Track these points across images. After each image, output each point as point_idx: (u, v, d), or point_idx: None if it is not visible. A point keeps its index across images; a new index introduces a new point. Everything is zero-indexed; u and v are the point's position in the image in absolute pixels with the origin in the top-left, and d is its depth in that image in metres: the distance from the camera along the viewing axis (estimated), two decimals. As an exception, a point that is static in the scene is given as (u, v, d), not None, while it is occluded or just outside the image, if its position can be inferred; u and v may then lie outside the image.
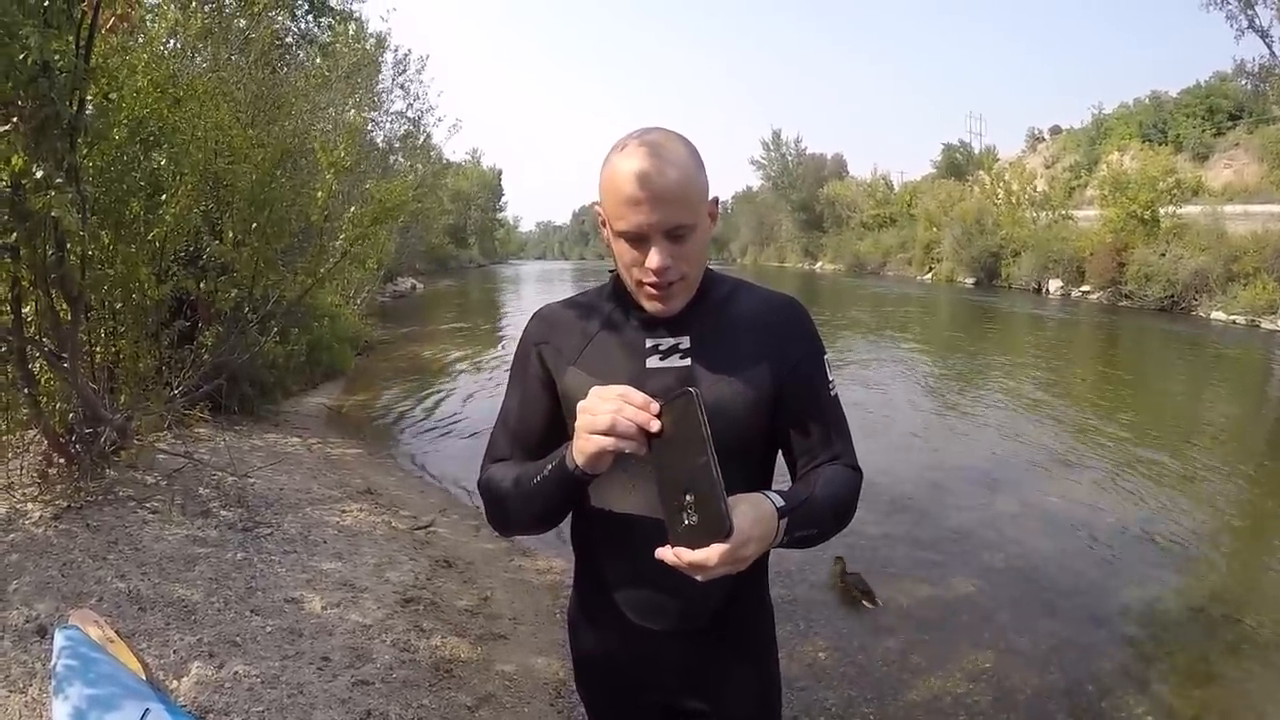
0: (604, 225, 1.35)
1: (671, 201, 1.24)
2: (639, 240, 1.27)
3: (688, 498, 1.07)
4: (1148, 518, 6.32)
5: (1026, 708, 3.74)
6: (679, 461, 1.08)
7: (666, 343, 1.37)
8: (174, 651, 3.12)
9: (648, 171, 1.23)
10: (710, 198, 1.34)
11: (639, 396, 1.13)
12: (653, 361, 1.37)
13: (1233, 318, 22.34)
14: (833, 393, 1.45)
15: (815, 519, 1.29)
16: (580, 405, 1.18)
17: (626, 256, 1.30)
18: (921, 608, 4.75)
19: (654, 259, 1.26)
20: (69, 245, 3.86)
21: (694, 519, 1.07)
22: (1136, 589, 5.07)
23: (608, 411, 1.13)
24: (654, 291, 1.31)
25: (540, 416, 1.44)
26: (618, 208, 1.26)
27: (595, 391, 1.17)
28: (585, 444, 1.16)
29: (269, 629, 3.47)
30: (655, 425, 1.10)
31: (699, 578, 1.10)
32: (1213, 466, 7.93)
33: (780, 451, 1.47)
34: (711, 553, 1.07)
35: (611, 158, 1.28)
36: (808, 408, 1.42)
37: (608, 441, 1.13)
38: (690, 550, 1.08)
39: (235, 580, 3.89)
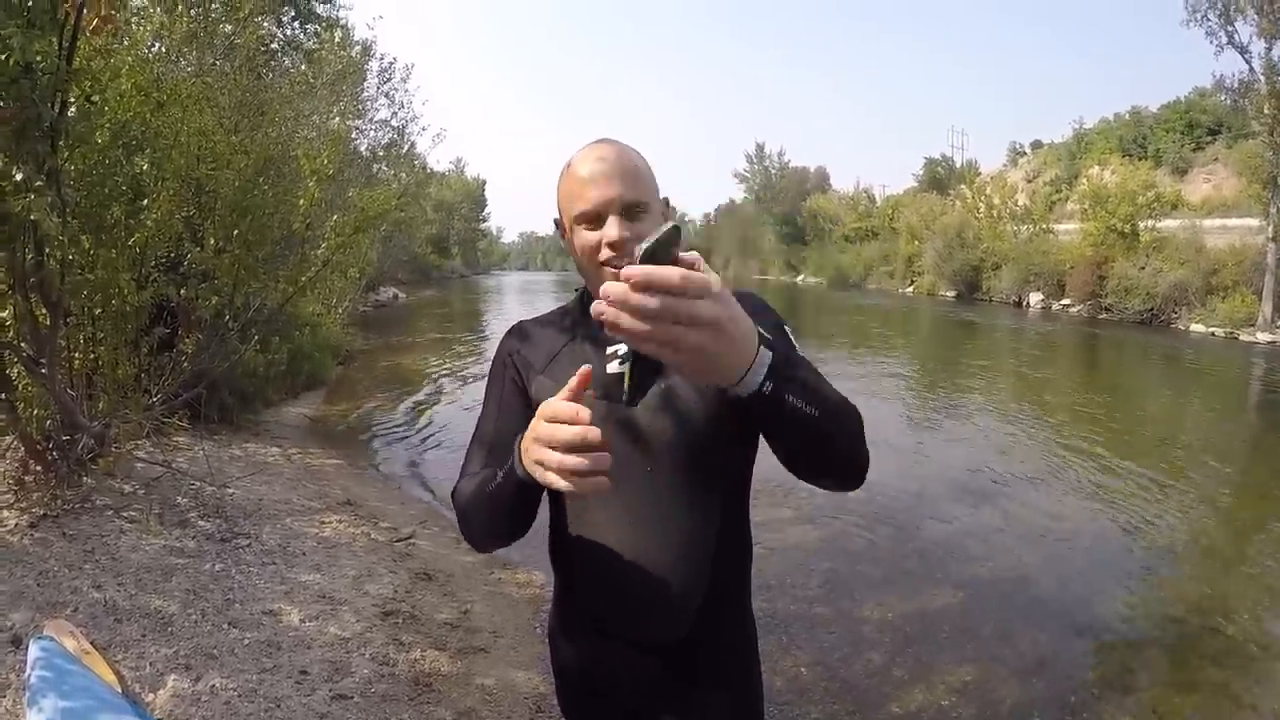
0: (565, 233, 1.41)
1: (626, 179, 1.32)
2: (596, 220, 1.32)
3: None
4: (1128, 528, 6.36)
5: (1008, 718, 3.74)
6: None
7: (624, 347, 1.37)
8: (150, 664, 3.07)
9: (603, 154, 1.34)
10: (662, 198, 1.40)
11: (574, 423, 1.04)
12: (612, 366, 1.39)
13: (1211, 330, 22.68)
14: (801, 354, 1.32)
15: (813, 392, 1.05)
16: (532, 423, 1.11)
17: (587, 241, 1.33)
18: (904, 620, 4.74)
19: (611, 230, 1.30)
20: (48, 249, 3.82)
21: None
22: (1118, 599, 5.10)
23: (549, 443, 1.06)
24: (615, 269, 1.26)
25: (514, 426, 1.40)
26: (577, 189, 1.33)
27: (541, 410, 1.09)
28: (533, 471, 1.11)
29: (247, 641, 3.43)
30: (605, 463, 1.04)
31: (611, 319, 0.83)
32: (1192, 477, 8.00)
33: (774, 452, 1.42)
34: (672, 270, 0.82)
35: (569, 160, 1.39)
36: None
37: (557, 483, 1.06)
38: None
39: (213, 592, 3.84)
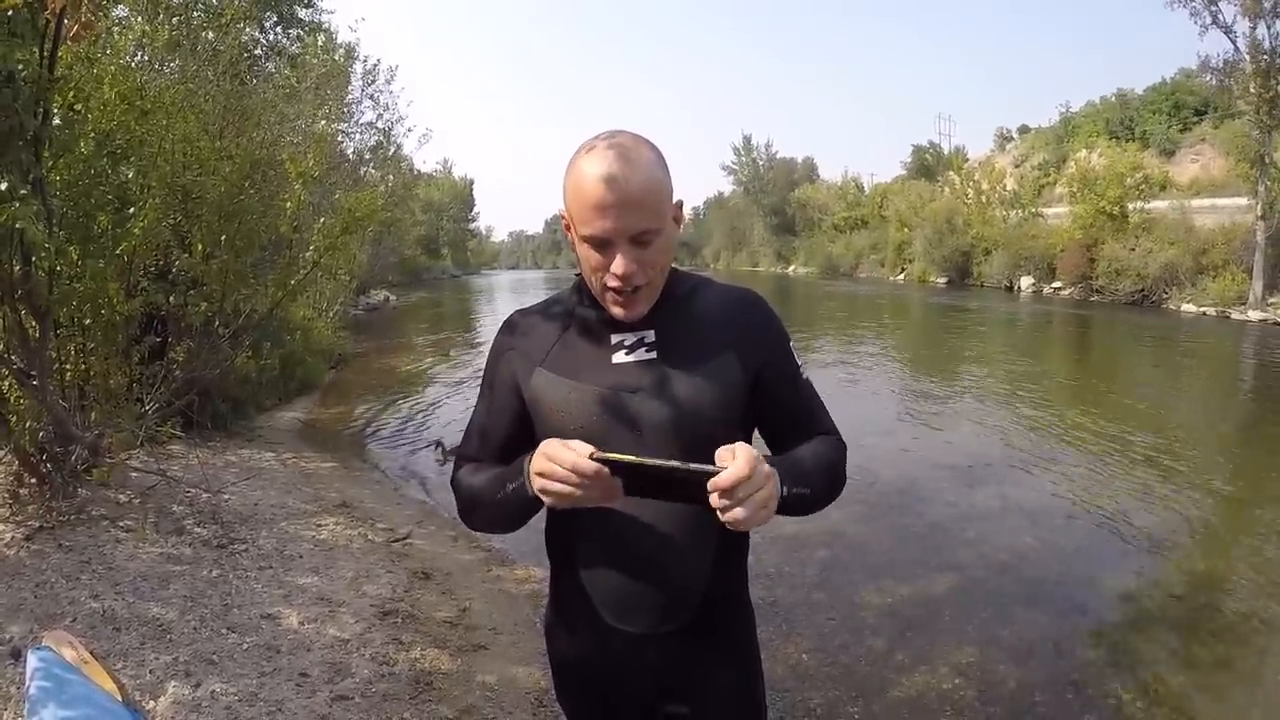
0: (569, 229, 1.36)
1: (637, 208, 1.25)
2: (604, 245, 1.28)
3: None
4: (1125, 508, 6.39)
5: (1011, 699, 3.76)
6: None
7: (631, 338, 1.39)
8: (150, 671, 3.07)
9: (614, 177, 1.23)
10: (675, 200, 1.35)
11: (586, 466, 1.16)
12: (619, 357, 1.39)
13: (1203, 309, 22.75)
14: (804, 376, 1.48)
15: (807, 476, 1.31)
16: (539, 465, 1.22)
17: (591, 261, 1.31)
18: (903, 605, 4.76)
19: (619, 265, 1.27)
20: (35, 259, 3.81)
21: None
22: (1116, 579, 5.13)
23: (568, 485, 1.18)
24: (618, 298, 1.32)
25: (508, 421, 1.46)
26: (583, 213, 1.26)
27: (549, 450, 1.21)
28: (545, 497, 1.23)
29: (246, 646, 3.42)
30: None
31: (735, 516, 1.13)
32: (1187, 456, 8.05)
33: (768, 444, 1.48)
34: (741, 465, 1.11)
35: (577, 160, 1.28)
36: (785, 397, 1.45)
37: (565, 497, 1.20)
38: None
39: (211, 598, 3.83)
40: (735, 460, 1.11)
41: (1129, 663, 4.09)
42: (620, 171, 1.23)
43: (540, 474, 1.20)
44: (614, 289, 1.31)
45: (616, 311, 1.35)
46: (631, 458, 1.13)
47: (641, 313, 1.36)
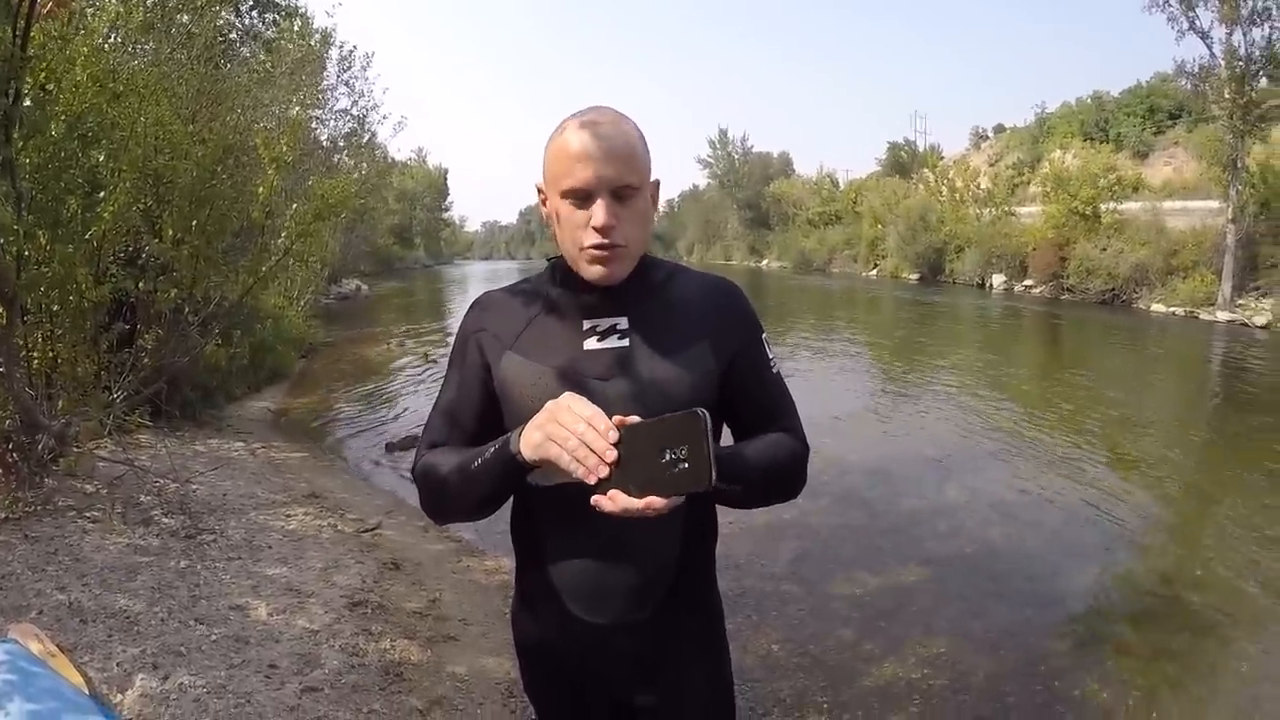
0: (545, 203, 1.37)
1: (620, 159, 1.27)
2: (585, 198, 1.28)
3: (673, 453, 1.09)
4: (1095, 502, 6.46)
5: (980, 689, 3.80)
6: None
7: (604, 323, 1.38)
8: (117, 664, 3.03)
9: (598, 130, 1.27)
10: (653, 179, 1.37)
11: (603, 428, 1.13)
12: (590, 343, 1.37)
13: (1172, 309, 23.04)
14: (774, 370, 1.47)
15: (739, 473, 1.28)
16: (551, 405, 1.18)
17: (572, 218, 1.30)
18: (874, 596, 4.80)
19: (599, 215, 1.27)
20: (3, 243, 3.75)
21: (683, 466, 1.08)
22: (1086, 572, 5.19)
23: (574, 434, 1.13)
24: (598, 254, 1.30)
25: (477, 404, 1.43)
26: (566, 164, 1.27)
27: (570, 403, 1.17)
28: (542, 448, 1.17)
29: (214, 638, 3.39)
30: (604, 471, 1.12)
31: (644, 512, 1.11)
32: (1156, 452, 8.17)
33: (732, 434, 1.48)
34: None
35: (560, 128, 1.31)
36: (751, 388, 1.44)
37: (562, 459, 1.15)
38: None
39: (178, 589, 3.79)
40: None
41: (1097, 653, 4.15)
42: (604, 128, 1.28)
43: (551, 417, 1.17)
44: (594, 246, 1.29)
45: (595, 271, 1.32)
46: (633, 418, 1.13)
47: (621, 274, 1.34)
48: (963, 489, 6.87)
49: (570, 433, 1.13)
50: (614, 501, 1.11)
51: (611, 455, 1.11)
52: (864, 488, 6.81)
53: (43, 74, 3.73)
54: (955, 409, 10.18)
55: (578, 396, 1.17)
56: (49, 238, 4.28)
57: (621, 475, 1.11)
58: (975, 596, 4.80)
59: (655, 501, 1.09)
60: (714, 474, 1.05)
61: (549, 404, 1.18)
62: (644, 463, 1.10)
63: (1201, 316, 21.62)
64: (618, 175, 1.27)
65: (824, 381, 11.97)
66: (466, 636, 3.97)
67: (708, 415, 1.07)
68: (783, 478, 1.39)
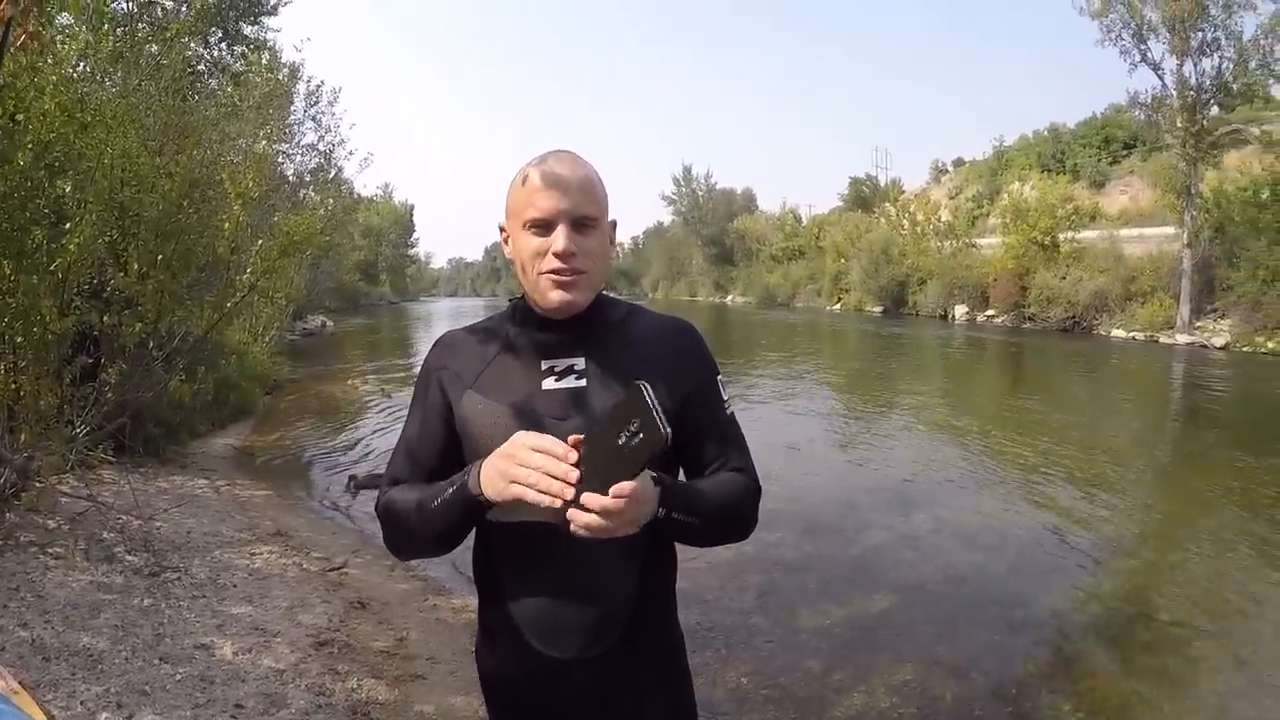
0: (507, 241, 1.41)
1: (579, 192, 1.33)
2: (546, 227, 1.32)
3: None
4: (1059, 527, 6.53)
5: (949, 714, 3.81)
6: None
7: (562, 364, 1.39)
8: (81, 702, 2.98)
9: (559, 166, 1.34)
10: (610, 219, 1.42)
11: (560, 452, 1.16)
12: (548, 383, 1.39)
13: (1132, 334, 23.71)
14: (729, 411, 1.49)
15: (696, 507, 1.31)
16: (505, 448, 1.21)
17: (531, 247, 1.33)
18: (841, 626, 4.79)
19: (559, 241, 1.31)
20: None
21: (639, 437, 1.09)
22: (1052, 595, 5.24)
23: (535, 468, 1.16)
24: (558, 278, 1.33)
25: (438, 441, 1.45)
26: (528, 197, 1.33)
27: (524, 440, 1.19)
28: (507, 491, 1.19)
29: (179, 677, 3.33)
30: (570, 493, 1.13)
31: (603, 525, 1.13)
32: (1117, 473, 8.30)
33: (684, 473, 1.49)
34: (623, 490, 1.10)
35: (522, 170, 1.38)
36: (705, 428, 1.45)
37: (528, 495, 1.16)
38: (596, 498, 1.11)
39: (142, 627, 3.73)
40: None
41: (1066, 675, 4.18)
42: (564, 165, 1.35)
43: (503, 455, 1.20)
44: (553, 271, 1.32)
45: (555, 296, 1.34)
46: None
47: (581, 301, 1.36)
48: (927, 516, 6.91)
49: (530, 469, 1.16)
50: (589, 508, 1.12)
51: (574, 475, 1.13)
52: (829, 518, 6.83)
53: (11, 103, 3.69)
54: (918, 438, 10.29)
55: (528, 433, 1.20)
56: (13, 268, 4.24)
57: (587, 484, 1.13)
58: (942, 622, 4.82)
59: (623, 488, 1.10)
60: (667, 429, 1.06)
61: (502, 448, 1.22)
62: (606, 458, 1.11)
63: (1161, 340, 22.17)
64: (576, 206, 1.32)
65: (787, 413, 12.00)
66: (434, 675, 3.92)
67: (647, 384, 1.09)
68: (735, 516, 1.41)
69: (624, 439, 1.09)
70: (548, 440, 1.16)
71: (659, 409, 1.07)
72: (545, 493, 1.14)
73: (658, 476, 1.24)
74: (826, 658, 4.39)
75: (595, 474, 1.13)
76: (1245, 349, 19.97)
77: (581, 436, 1.15)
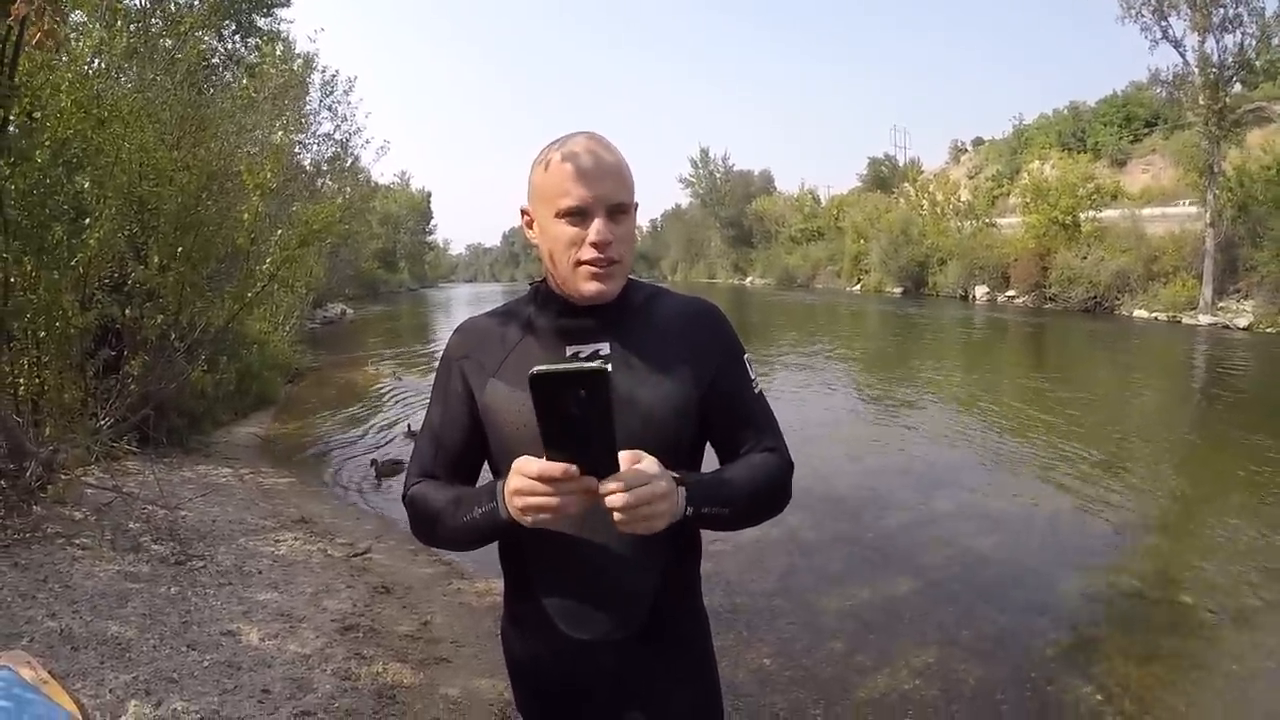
0: (529, 225, 1.39)
1: (614, 178, 1.31)
2: (581, 216, 1.30)
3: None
4: (1082, 509, 6.52)
5: (972, 698, 3.81)
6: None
7: (586, 349, 1.38)
8: (110, 690, 3.02)
9: (593, 150, 1.31)
10: (635, 203, 1.39)
11: (559, 473, 1.15)
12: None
13: (1154, 315, 23.39)
14: (756, 390, 1.47)
15: (725, 497, 1.31)
16: (514, 480, 1.20)
17: (566, 236, 1.31)
18: (864, 608, 4.81)
19: (598, 231, 1.29)
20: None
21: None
22: (1074, 577, 5.22)
23: (542, 494, 1.16)
24: (595, 269, 1.32)
25: (463, 430, 1.44)
26: (562, 185, 1.30)
27: (521, 465, 1.18)
28: (535, 521, 1.20)
29: (206, 663, 3.38)
30: (590, 496, 1.16)
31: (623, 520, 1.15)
32: (1141, 456, 8.26)
33: (716, 455, 1.48)
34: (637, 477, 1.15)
35: (548, 152, 1.35)
36: (735, 408, 1.45)
37: (552, 522, 1.20)
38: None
39: (169, 615, 3.78)
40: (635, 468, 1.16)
41: (1088, 659, 4.17)
42: (597, 147, 1.32)
43: (517, 491, 1.19)
44: (590, 261, 1.31)
45: (591, 287, 1.33)
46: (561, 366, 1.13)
47: (615, 290, 1.36)
48: (948, 498, 6.91)
49: (541, 498, 1.16)
50: (610, 490, 1.14)
51: (592, 483, 1.15)
52: (851, 499, 6.84)
53: (28, 101, 3.73)
54: (939, 419, 10.25)
55: (523, 461, 1.18)
56: (35, 264, 4.28)
57: (591, 470, 1.14)
58: (965, 605, 4.82)
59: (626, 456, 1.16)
60: (598, 360, 1.16)
61: (510, 483, 1.21)
62: (581, 432, 1.12)
63: (1184, 321, 21.89)
64: (611, 193, 1.30)
65: (809, 395, 11.97)
66: (459, 658, 3.95)
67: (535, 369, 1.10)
68: (768, 498, 1.40)
69: (577, 409, 1.09)
70: (539, 466, 1.15)
71: (568, 361, 1.13)
72: (562, 511, 1.17)
73: (679, 476, 1.23)
74: (849, 639, 4.41)
75: (590, 459, 1.13)
76: (1269, 330, 19.72)
77: (546, 455, 1.15)
